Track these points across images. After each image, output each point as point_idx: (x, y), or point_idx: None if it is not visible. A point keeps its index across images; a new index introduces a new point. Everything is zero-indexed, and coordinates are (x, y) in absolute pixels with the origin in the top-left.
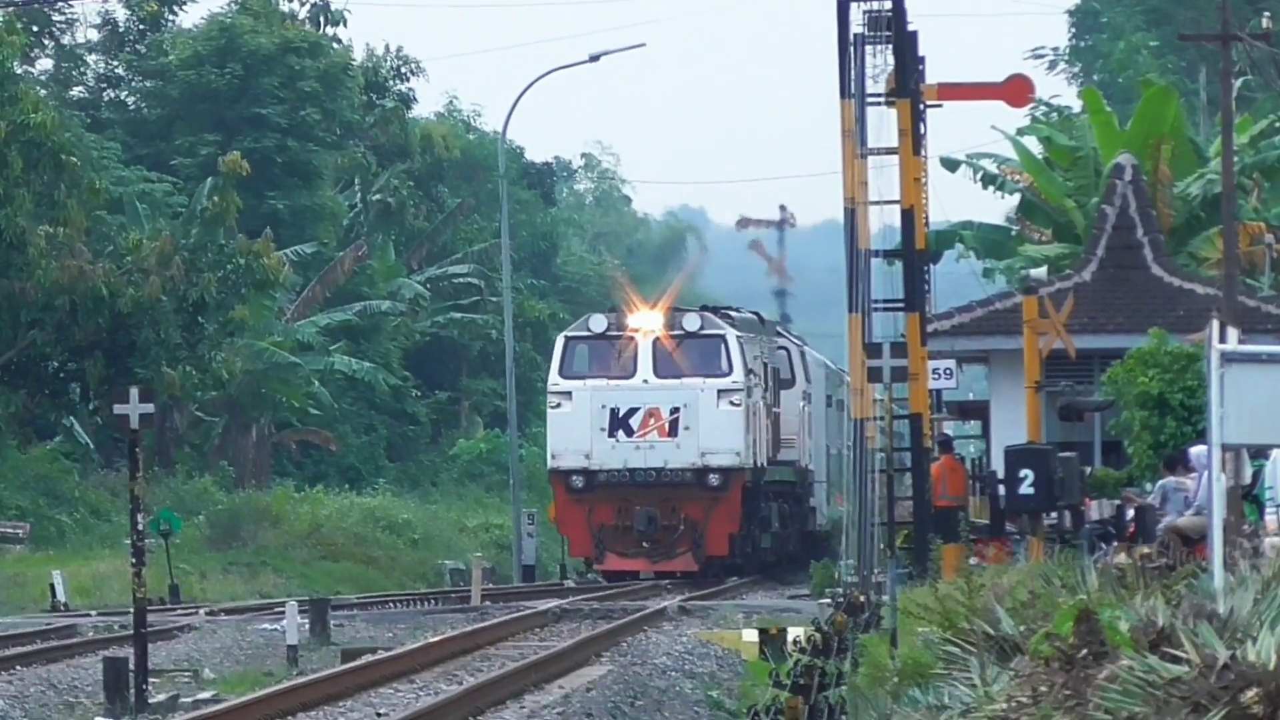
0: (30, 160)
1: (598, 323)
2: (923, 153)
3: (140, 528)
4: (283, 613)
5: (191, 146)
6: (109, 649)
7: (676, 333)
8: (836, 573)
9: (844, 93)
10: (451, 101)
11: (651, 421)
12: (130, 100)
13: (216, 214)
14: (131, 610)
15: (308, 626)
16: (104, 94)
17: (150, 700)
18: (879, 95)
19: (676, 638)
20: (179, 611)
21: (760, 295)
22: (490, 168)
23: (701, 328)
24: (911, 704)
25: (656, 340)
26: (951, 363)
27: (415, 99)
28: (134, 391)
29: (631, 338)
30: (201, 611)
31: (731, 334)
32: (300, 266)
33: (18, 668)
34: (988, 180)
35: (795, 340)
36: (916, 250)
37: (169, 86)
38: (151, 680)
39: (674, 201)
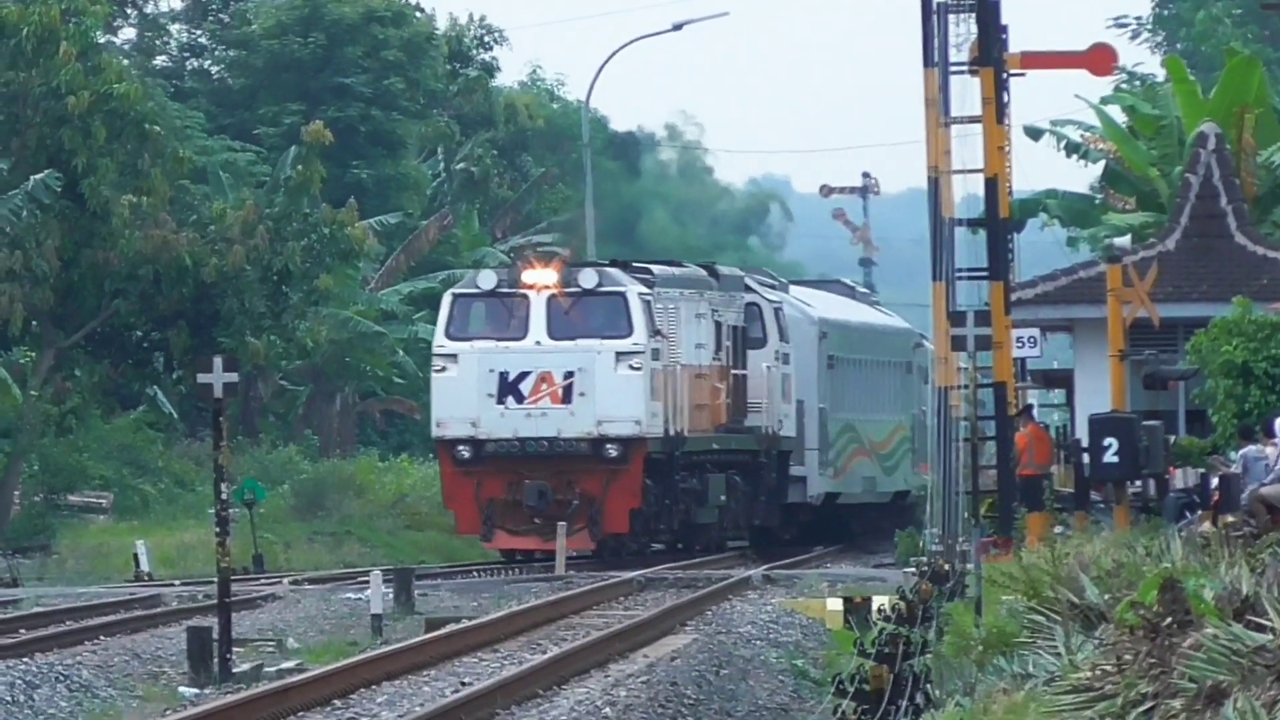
0: (114, 130)
1: (487, 279)
2: (1006, 121)
3: (224, 497)
4: (367, 582)
5: (275, 116)
6: (193, 619)
7: (573, 290)
8: (921, 542)
9: (927, 61)
10: (535, 70)
11: (544, 387)
12: (214, 70)
13: (300, 183)
14: (215, 580)
15: (392, 596)
16: (187, 63)
17: (234, 670)
18: (962, 64)
19: (761, 606)
20: (263, 581)
21: (845, 264)
22: (574, 137)
23: (600, 284)
24: (996, 672)
25: (551, 298)
26: (1036, 331)
27: (499, 68)
28: (218, 361)
29: (524, 296)
30: (286, 581)
31: (633, 291)
32: (384, 236)
33: (102, 637)
34: (1071, 149)
35: (771, 299)
36: (1000, 219)
37: (252, 56)
38: (235, 650)
39: (757, 170)
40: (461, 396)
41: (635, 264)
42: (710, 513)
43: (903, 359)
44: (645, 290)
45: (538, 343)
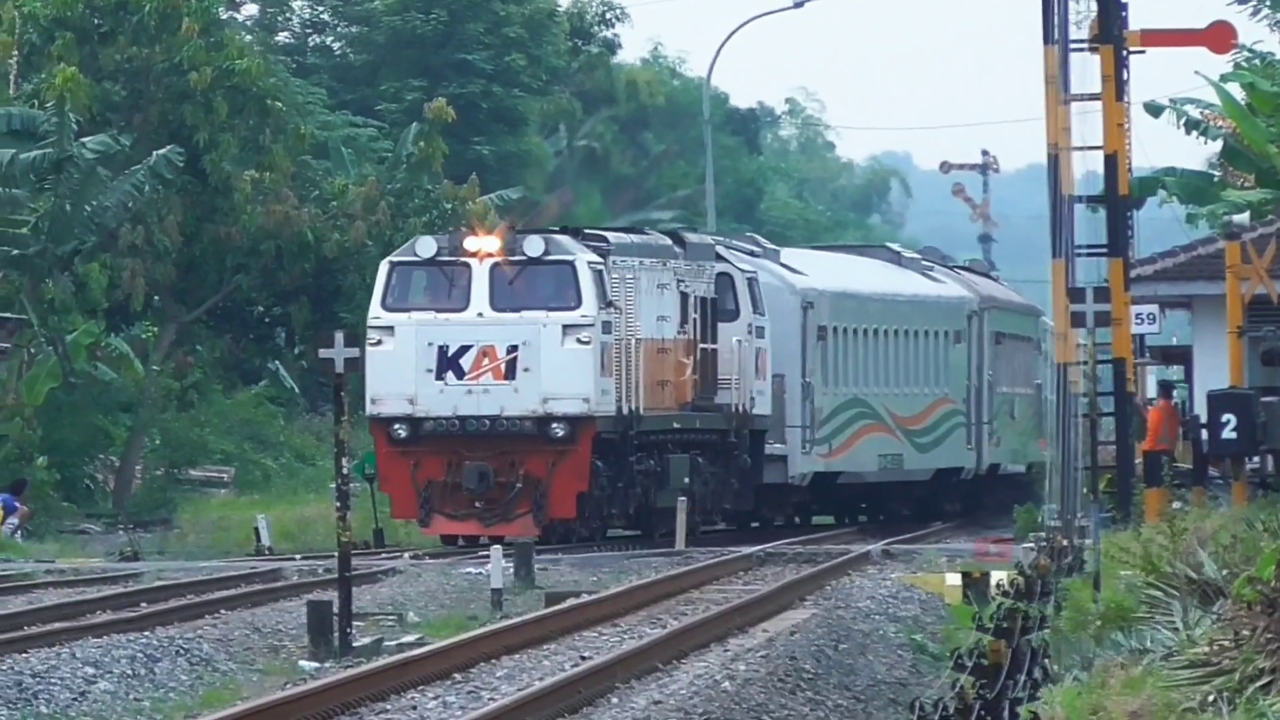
0: (236, 106)
1: (426, 246)
2: (1126, 98)
3: (345, 472)
4: (487, 557)
5: (397, 92)
6: (313, 592)
7: (517, 258)
8: (1040, 517)
9: (1047, 39)
10: (656, 48)
11: (485, 361)
12: (336, 46)
13: (422, 159)
14: (336, 554)
15: (512, 570)
16: (309, 39)
17: (354, 643)
18: (1082, 41)
19: (880, 581)
20: (383, 555)
21: (965, 240)
22: (694, 114)
23: (546, 252)
24: (1114, 647)
25: (494, 267)
26: (1154, 308)
27: (620, 45)
28: (339, 336)
29: (465, 264)
30: (406, 555)
31: (582, 259)
32: (505, 211)
33: (222, 611)
34: (1190, 126)
35: (745, 268)
36: (1120, 196)
37: (374, 32)
38: (355, 624)
39: (878, 147)
40: (398, 372)
41: (588, 230)
42: (672, 496)
43: (949, 328)
44: (596, 259)
45: (479, 314)
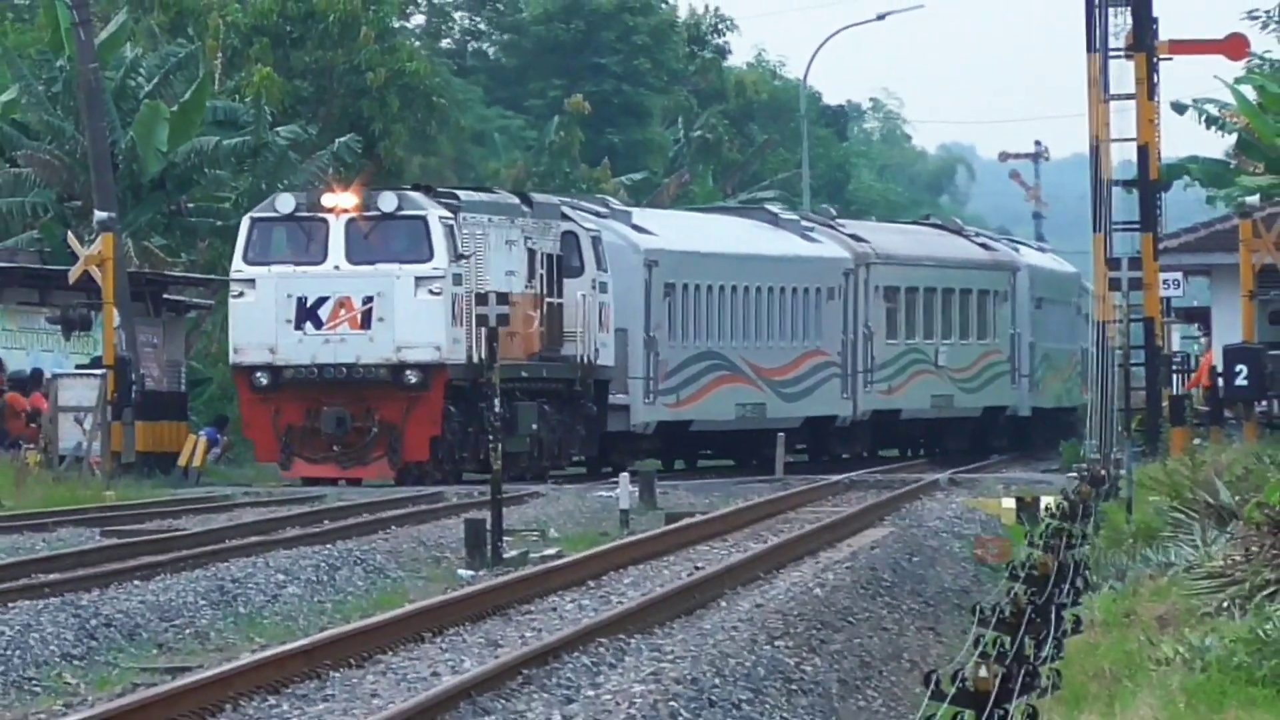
0: (406, 101)
1: (285, 203)
2: (1156, 98)
3: (496, 410)
4: (617, 483)
5: (542, 90)
6: (469, 512)
7: (372, 214)
8: (1082, 451)
9: (1090, 47)
10: (760, 53)
11: (342, 312)
12: (490, 51)
13: (563, 146)
14: (489, 480)
15: (638, 494)
16: (468, 45)
17: (504, 555)
18: (1119, 49)
19: (947, 505)
20: (529, 481)
21: (1020, 218)
22: (793, 109)
23: (400, 208)
24: (1144, 561)
25: (350, 222)
26: (1179, 275)
27: (730, 50)
28: (492, 295)
29: (323, 220)
30: (549, 481)
31: (434, 214)
32: (632, 191)
33: (392, 527)
34: (1210, 121)
35: (589, 227)
36: (1151, 180)
37: (523, 39)
38: (505, 538)
39: (947, 138)
40: (259, 322)
41: (440, 189)
42: (520, 441)
43: (820, 285)
44: (448, 214)
45: (336, 267)
